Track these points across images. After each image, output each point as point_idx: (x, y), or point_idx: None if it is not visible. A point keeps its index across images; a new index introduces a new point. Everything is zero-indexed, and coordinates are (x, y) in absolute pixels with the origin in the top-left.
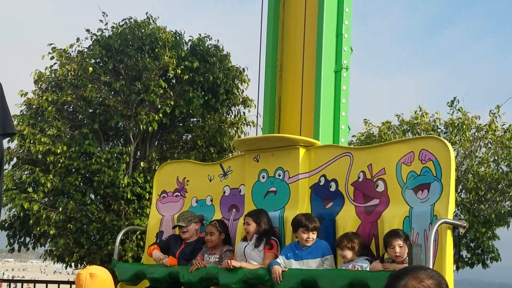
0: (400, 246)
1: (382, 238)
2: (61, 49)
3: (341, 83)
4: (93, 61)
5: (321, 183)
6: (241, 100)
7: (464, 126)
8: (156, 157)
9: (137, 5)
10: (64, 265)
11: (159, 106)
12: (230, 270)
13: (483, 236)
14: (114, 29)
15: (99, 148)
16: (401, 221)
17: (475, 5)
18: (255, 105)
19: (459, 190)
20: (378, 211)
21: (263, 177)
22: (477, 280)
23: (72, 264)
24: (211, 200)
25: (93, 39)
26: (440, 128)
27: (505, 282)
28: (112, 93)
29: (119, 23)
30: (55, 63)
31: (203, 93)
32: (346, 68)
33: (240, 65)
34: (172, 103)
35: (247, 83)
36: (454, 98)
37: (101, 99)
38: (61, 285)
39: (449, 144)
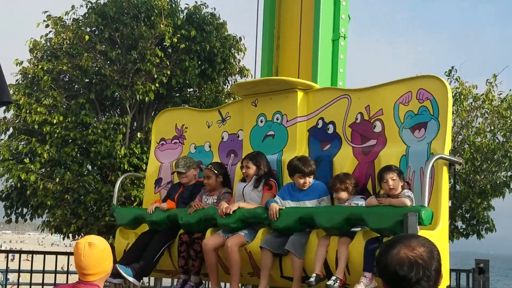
0: (393, 179)
1: (377, 175)
2: (56, 17)
3: (339, 52)
4: (88, 29)
5: (319, 126)
6: (237, 69)
7: (462, 96)
8: None
9: None
10: (62, 236)
11: (155, 76)
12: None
13: (479, 206)
14: None
15: (95, 119)
16: (397, 160)
17: None
18: (251, 75)
19: None
20: (375, 151)
21: (261, 121)
22: (471, 252)
23: (70, 235)
24: (210, 146)
25: (88, 7)
26: None
27: (500, 254)
28: (108, 62)
29: None
30: (50, 31)
31: (199, 62)
32: (343, 36)
33: (236, 34)
34: (168, 72)
35: (244, 53)
36: (452, 67)
37: (97, 68)
38: (58, 256)
39: (446, 83)
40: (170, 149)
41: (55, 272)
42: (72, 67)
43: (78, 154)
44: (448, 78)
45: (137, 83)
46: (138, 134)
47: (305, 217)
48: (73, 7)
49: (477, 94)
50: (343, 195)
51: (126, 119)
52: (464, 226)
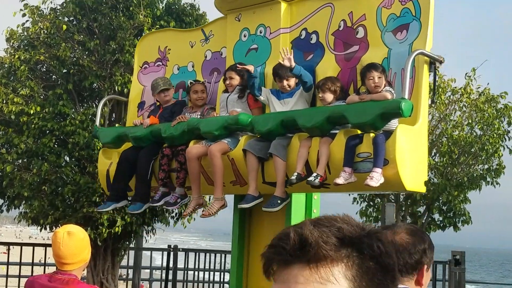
0: (379, 77)
1: (359, 73)
2: (33, 6)
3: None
4: (66, 19)
5: (302, 37)
6: None
7: (440, 90)
8: None
9: None
10: (39, 228)
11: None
12: (211, 118)
13: (455, 199)
14: None
15: (73, 109)
16: (379, 63)
17: None
18: None
19: (433, 154)
20: (357, 56)
21: (245, 36)
22: (448, 245)
23: (47, 226)
24: (193, 66)
25: None
26: None
27: (475, 247)
28: (86, 52)
29: None
30: (27, 21)
31: None
32: None
33: None
34: None
35: None
36: (430, 106)
37: (75, 58)
38: (35, 248)
39: None
40: (153, 71)
41: (32, 264)
42: (50, 57)
43: (55, 145)
44: None
45: (115, 74)
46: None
47: (287, 120)
48: None
49: (455, 87)
50: (329, 97)
51: (104, 110)
52: (441, 219)
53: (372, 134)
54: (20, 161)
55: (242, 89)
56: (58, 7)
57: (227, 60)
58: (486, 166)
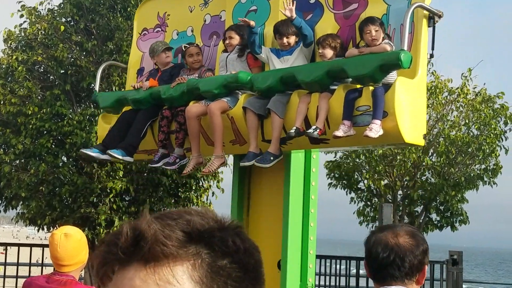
0: (376, 30)
1: (358, 28)
2: (30, 7)
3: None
4: (64, 20)
5: None
6: None
7: (437, 90)
8: None
9: None
10: (36, 228)
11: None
12: (210, 77)
13: (453, 199)
14: None
15: (71, 110)
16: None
17: None
18: None
19: (430, 154)
20: (356, 14)
21: None
22: (445, 244)
23: (45, 227)
24: (192, 31)
25: None
26: None
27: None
28: (84, 53)
29: None
30: (24, 22)
31: None
32: None
33: None
34: None
35: None
36: (428, 61)
37: (72, 59)
38: (33, 248)
39: None
40: (152, 38)
41: (30, 264)
42: (47, 58)
43: (53, 146)
44: None
45: (113, 74)
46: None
47: (287, 76)
48: None
49: (452, 87)
50: (329, 53)
51: (101, 110)
52: (438, 218)
53: (371, 88)
54: (17, 161)
55: (241, 49)
56: (56, 8)
57: (227, 22)
58: (483, 166)
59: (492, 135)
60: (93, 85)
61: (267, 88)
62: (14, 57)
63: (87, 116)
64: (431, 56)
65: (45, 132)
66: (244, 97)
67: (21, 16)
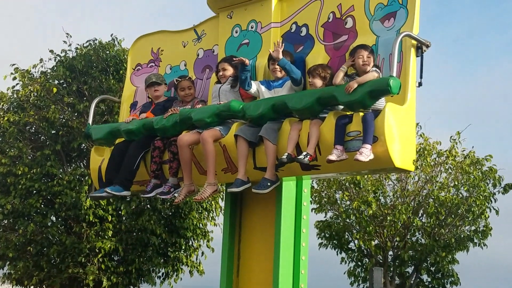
0: (368, 56)
1: (349, 54)
2: (24, 69)
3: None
4: (56, 82)
5: (292, 30)
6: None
7: (426, 152)
8: None
9: (102, 27)
10: None
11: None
12: (202, 107)
13: (443, 260)
14: (78, 51)
15: (61, 170)
16: None
17: (437, 27)
18: None
19: (420, 215)
20: (346, 45)
21: (236, 32)
22: None
23: (32, 287)
24: (185, 65)
25: (56, 60)
26: None
27: None
28: (76, 114)
29: (83, 44)
30: (17, 84)
31: None
32: None
33: None
34: None
35: None
36: (417, 124)
37: (64, 120)
38: None
39: None
40: (146, 72)
41: None
42: (39, 119)
43: (42, 205)
44: None
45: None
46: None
47: (278, 104)
48: (41, 60)
49: (441, 150)
50: (319, 83)
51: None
52: (429, 280)
53: (361, 114)
54: (5, 221)
55: (234, 79)
56: (49, 71)
57: (219, 56)
58: (473, 228)
59: (481, 197)
60: (84, 145)
61: (259, 115)
62: (6, 118)
63: (77, 176)
64: (420, 84)
65: (34, 192)
66: (236, 125)
67: (14, 78)
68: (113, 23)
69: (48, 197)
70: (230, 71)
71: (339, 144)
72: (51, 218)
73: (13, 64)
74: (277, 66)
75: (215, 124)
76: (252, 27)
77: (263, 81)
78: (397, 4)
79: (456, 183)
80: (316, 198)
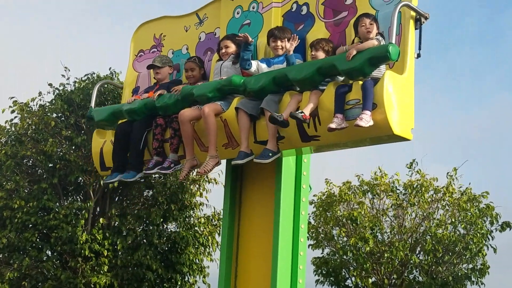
0: (370, 23)
1: (352, 25)
2: (22, 102)
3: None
4: (54, 115)
5: (293, 9)
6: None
7: (423, 188)
8: (116, 213)
9: (101, 61)
10: None
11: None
12: (204, 83)
13: None
14: (76, 84)
15: (57, 203)
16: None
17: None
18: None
19: (417, 252)
20: (346, 21)
21: (238, 13)
22: None
23: None
24: (187, 49)
25: (55, 93)
26: (399, 190)
27: None
28: (73, 147)
29: (81, 78)
30: (15, 117)
31: None
32: None
33: None
34: None
35: None
36: (413, 160)
37: (61, 153)
38: None
39: None
40: (148, 58)
41: None
42: (36, 152)
43: (38, 239)
44: (410, 170)
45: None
46: (101, 220)
47: (279, 76)
48: (40, 93)
49: (438, 186)
50: (321, 55)
51: (88, 204)
52: None
53: (360, 82)
54: (1, 255)
55: (236, 56)
56: (47, 104)
57: (221, 37)
58: (470, 266)
59: (478, 234)
60: (81, 178)
61: (260, 88)
62: (3, 151)
63: (74, 210)
64: (418, 55)
65: (30, 226)
66: (237, 100)
67: (12, 111)
68: (111, 56)
69: (44, 231)
70: (232, 48)
71: (339, 113)
72: (47, 252)
73: (12, 97)
74: (278, 44)
75: (216, 99)
76: (253, 8)
77: (263, 59)
78: None
79: (453, 220)
80: (313, 234)
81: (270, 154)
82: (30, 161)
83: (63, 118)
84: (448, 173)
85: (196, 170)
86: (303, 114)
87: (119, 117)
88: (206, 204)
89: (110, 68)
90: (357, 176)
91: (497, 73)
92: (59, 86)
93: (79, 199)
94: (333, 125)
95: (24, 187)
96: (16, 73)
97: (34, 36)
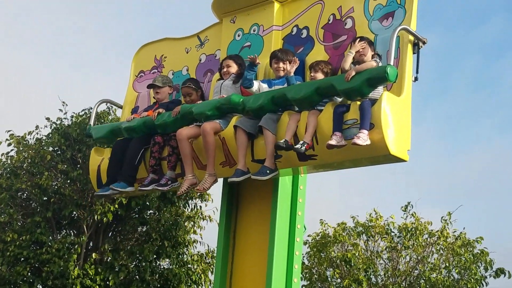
0: (363, 47)
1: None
2: (19, 136)
3: (298, 183)
4: (51, 148)
5: (293, 33)
6: (198, 193)
7: (417, 232)
8: (109, 249)
9: (98, 96)
10: None
11: (115, 197)
12: (203, 102)
13: None
14: (73, 118)
15: (50, 237)
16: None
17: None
18: (212, 199)
19: None
20: (345, 44)
21: (239, 36)
22: None
23: None
24: (187, 70)
25: (52, 128)
26: (394, 232)
27: None
28: (68, 181)
29: (79, 113)
30: (12, 150)
31: None
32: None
33: None
34: None
35: None
36: (408, 203)
37: (56, 187)
38: None
39: None
40: (149, 78)
41: None
42: (31, 185)
43: (29, 273)
44: (404, 213)
45: (96, 203)
46: (93, 255)
47: (278, 96)
48: (37, 127)
49: (432, 230)
50: (320, 76)
51: (82, 239)
52: None
53: (358, 103)
54: None
55: (237, 76)
56: (44, 138)
57: (221, 58)
58: None
59: (472, 280)
60: (74, 212)
61: (258, 107)
62: None
63: (67, 244)
64: (416, 79)
65: (22, 259)
66: (236, 118)
67: (9, 144)
68: (110, 91)
69: (36, 265)
70: (234, 68)
71: (337, 131)
72: (38, 287)
73: (9, 131)
74: (280, 65)
75: (215, 118)
76: (254, 30)
77: (264, 80)
78: (396, 4)
79: (448, 264)
80: (307, 275)
81: (268, 172)
82: (25, 194)
83: (59, 152)
84: (442, 217)
85: (194, 188)
86: (306, 145)
87: (118, 135)
88: (200, 242)
89: (107, 104)
90: (352, 217)
91: (492, 117)
92: (57, 120)
93: (72, 234)
94: (332, 142)
95: (18, 220)
96: (14, 106)
97: (33, 71)
